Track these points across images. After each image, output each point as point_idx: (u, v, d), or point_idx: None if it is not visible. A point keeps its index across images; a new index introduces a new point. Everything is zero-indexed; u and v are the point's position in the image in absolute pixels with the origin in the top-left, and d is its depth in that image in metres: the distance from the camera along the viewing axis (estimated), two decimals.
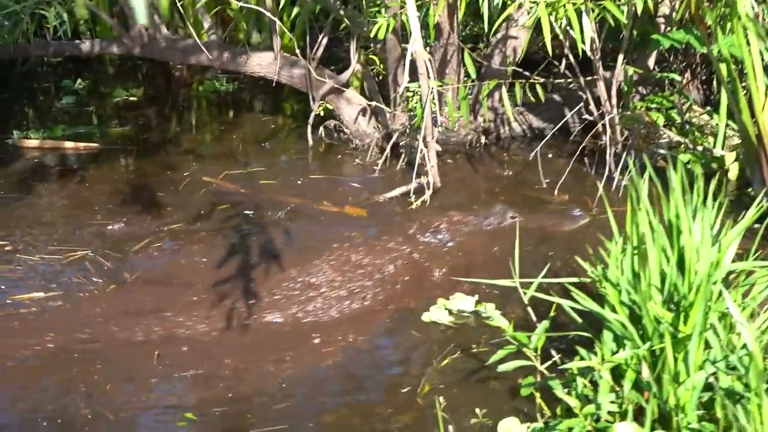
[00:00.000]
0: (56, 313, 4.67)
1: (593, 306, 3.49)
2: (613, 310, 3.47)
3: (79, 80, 8.90)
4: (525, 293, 3.91)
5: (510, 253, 4.22)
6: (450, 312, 4.62)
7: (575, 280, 3.80)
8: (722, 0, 4.80)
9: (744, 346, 3.21)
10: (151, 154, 7.02)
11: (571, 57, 5.91)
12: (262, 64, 7.02)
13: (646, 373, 3.40)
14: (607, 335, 3.49)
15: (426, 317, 4.59)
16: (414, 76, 5.50)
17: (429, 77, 5.54)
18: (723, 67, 6.07)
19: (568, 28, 5.22)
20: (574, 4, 4.88)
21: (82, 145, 7.16)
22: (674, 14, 6.42)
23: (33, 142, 7.22)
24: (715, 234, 3.76)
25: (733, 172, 6.09)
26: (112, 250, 5.35)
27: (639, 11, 5.34)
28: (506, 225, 5.46)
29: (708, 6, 4.93)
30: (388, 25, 5.57)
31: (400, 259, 5.08)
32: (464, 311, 4.61)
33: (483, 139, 6.81)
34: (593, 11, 5.06)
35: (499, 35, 6.63)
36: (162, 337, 4.43)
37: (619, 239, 3.67)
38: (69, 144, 7.18)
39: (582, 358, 3.57)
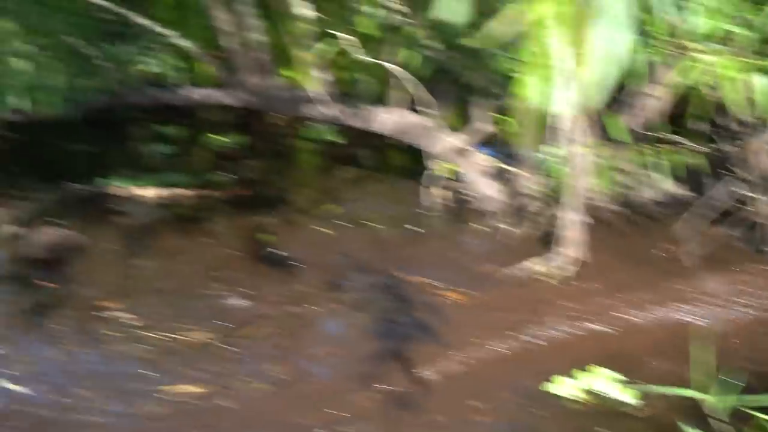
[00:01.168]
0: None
1: None
2: None
3: (173, 126, 8.53)
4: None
5: None
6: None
7: None
8: None
9: None
10: (259, 207, 6.60)
11: (733, 123, 5.41)
12: (385, 122, 6.57)
13: None
14: None
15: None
16: (556, 137, 5.06)
17: (575, 141, 5.10)
18: None
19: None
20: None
21: (181, 192, 6.81)
22: None
23: (128, 190, 6.86)
24: None
25: None
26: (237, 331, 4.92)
27: None
28: None
29: None
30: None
31: None
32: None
33: (616, 206, 6.30)
34: None
35: (635, 96, 6.12)
36: None
37: None
38: (167, 192, 6.82)
39: None
